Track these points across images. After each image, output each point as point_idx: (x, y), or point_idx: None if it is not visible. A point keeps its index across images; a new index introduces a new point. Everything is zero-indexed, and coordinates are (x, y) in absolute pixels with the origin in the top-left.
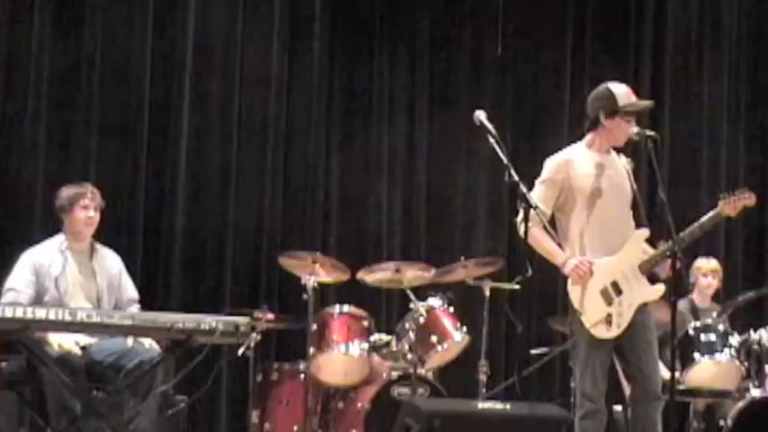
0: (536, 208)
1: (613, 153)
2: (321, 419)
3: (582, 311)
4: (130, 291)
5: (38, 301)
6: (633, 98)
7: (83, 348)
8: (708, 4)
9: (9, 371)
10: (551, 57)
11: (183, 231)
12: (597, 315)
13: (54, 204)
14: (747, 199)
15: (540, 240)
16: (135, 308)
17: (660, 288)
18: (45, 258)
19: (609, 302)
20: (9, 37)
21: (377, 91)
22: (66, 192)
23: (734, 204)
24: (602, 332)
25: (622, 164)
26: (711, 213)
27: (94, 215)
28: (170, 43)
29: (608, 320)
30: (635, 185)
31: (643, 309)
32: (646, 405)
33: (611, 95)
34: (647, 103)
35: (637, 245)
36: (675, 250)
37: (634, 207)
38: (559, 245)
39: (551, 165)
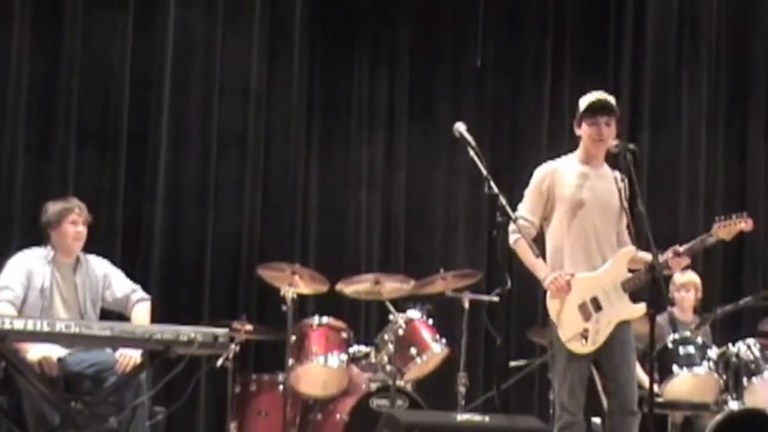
0: (515, 220)
1: (606, 167)
2: (300, 431)
3: (559, 325)
4: (124, 286)
5: (22, 304)
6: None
7: (59, 360)
8: (687, 17)
9: None
10: (531, 69)
11: (161, 242)
12: (573, 329)
13: (39, 218)
14: (744, 223)
15: (525, 252)
16: (137, 295)
17: (641, 307)
18: (34, 266)
19: (587, 318)
20: None
21: (356, 102)
22: (53, 207)
23: (728, 228)
24: (577, 347)
25: (614, 179)
26: (704, 236)
27: (83, 230)
28: (149, 54)
29: (584, 335)
30: (626, 203)
31: (623, 324)
32: (621, 419)
33: (578, 106)
34: (594, 95)
35: (622, 262)
36: (655, 264)
37: (627, 224)
38: (544, 256)
39: (538, 174)
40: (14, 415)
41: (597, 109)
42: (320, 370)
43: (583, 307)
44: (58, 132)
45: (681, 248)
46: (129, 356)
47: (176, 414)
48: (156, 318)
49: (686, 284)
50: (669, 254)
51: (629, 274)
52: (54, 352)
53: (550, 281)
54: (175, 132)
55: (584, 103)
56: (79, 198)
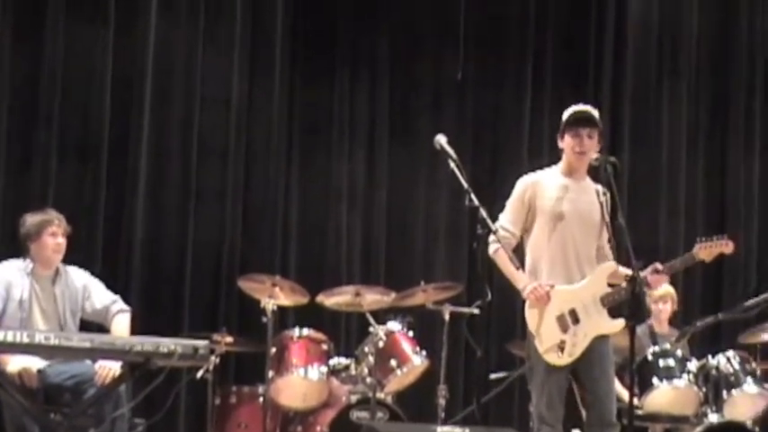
0: (495, 232)
1: (588, 180)
2: None
3: (536, 336)
4: (104, 297)
5: (1, 315)
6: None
7: (38, 371)
8: (668, 31)
9: None
10: (511, 83)
11: (142, 254)
12: (550, 341)
13: (18, 230)
14: (725, 246)
15: (505, 262)
16: (117, 306)
17: (619, 323)
18: (13, 278)
19: (564, 329)
20: None
21: (337, 115)
22: (32, 219)
23: (710, 249)
24: (553, 359)
25: (595, 192)
26: (685, 256)
27: (62, 241)
28: (130, 65)
29: (560, 347)
30: (607, 217)
31: (601, 337)
32: (600, 431)
33: (560, 120)
34: (577, 108)
35: (602, 276)
36: (635, 276)
37: (608, 239)
38: (523, 266)
39: (520, 185)
40: None
41: (580, 121)
42: (300, 382)
43: (561, 319)
44: (38, 142)
45: (661, 267)
46: (109, 368)
47: (156, 426)
48: (136, 329)
49: (664, 296)
50: (649, 271)
51: (609, 289)
52: (33, 363)
53: (530, 291)
54: (156, 143)
55: (567, 115)
56: (59, 209)
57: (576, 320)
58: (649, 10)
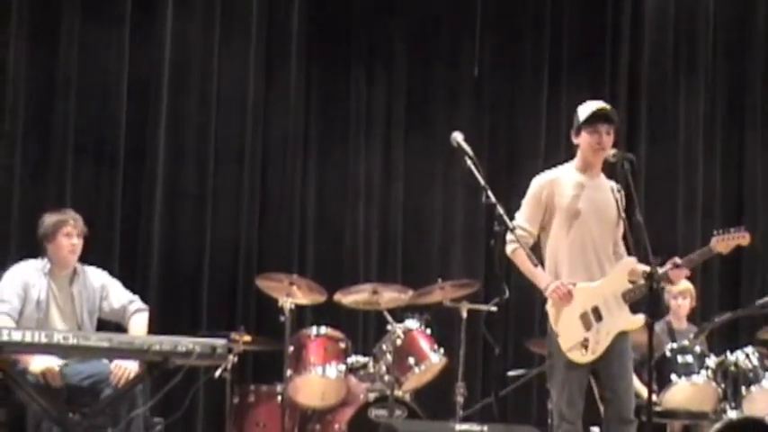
0: (513, 230)
1: (602, 177)
2: None
3: (559, 334)
4: (121, 296)
5: (19, 316)
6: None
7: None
8: (683, 26)
9: None
10: (528, 78)
11: (159, 253)
12: (574, 339)
13: (36, 230)
14: (742, 238)
15: (524, 261)
16: (135, 305)
17: (640, 318)
18: (31, 278)
19: (587, 327)
20: None
21: (354, 113)
22: (48, 220)
23: (727, 242)
24: (577, 356)
25: (610, 189)
26: (703, 249)
27: (78, 242)
28: (147, 66)
29: (584, 345)
30: (623, 213)
31: (621, 334)
32: (618, 428)
33: (576, 115)
34: (595, 104)
35: (623, 272)
36: (653, 272)
37: (623, 235)
38: (542, 265)
39: (536, 183)
40: (14, 427)
41: (599, 117)
42: (318, 380)
43: (584, 317)
44: (56, 143)
45: (679, 261)
46: (124, 368)
47: (174, 425)
48: (154, 328)
49: (683, 292)
50: (669, 266)
51: (630, 285)
52: (55, 362)
53: (552, 289)
54: (173, 142)
55: (584, 111)
56: (77, 209)
57: (598, 318)
58: (666, 1)
